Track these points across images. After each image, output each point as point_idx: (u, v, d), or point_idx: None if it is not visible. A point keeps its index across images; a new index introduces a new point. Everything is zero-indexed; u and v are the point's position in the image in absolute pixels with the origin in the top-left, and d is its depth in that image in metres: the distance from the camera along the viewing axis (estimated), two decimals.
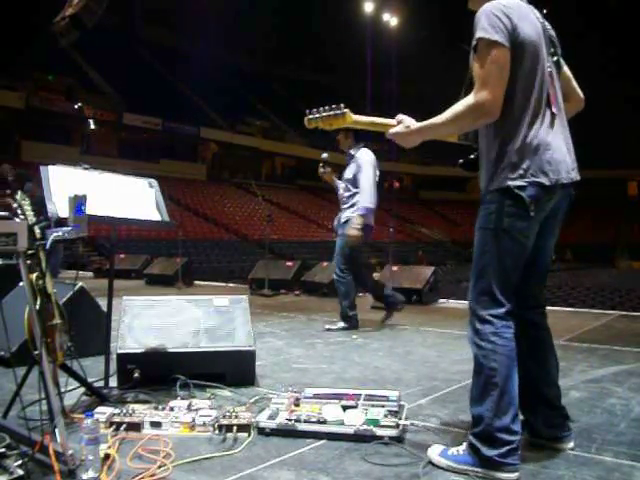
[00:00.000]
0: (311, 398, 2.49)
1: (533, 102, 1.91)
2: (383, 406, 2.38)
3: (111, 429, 2.20)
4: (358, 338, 4.58)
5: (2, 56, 24.10)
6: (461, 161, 2.19)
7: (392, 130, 2.06)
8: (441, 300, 7.37)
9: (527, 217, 1.89)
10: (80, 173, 2.87)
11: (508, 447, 1.83)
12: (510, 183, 1.88)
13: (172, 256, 10.99)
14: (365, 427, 2.19)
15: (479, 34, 1.85)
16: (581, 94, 2.22)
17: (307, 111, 2.20)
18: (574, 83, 2.20)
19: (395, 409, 2.35)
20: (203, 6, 33.43)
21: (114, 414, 2.27)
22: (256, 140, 35.26)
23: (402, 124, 2.04)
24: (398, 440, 2.15)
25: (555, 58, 2.04)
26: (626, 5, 32.07)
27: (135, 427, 2.22)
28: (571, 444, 2.10)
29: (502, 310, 1.92)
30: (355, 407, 2.38)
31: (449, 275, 18.37)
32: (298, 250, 23.41)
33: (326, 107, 2.15)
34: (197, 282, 9.90)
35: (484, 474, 1.85)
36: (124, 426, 2.21)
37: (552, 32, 2.06)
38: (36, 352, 2.03)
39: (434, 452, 1.99)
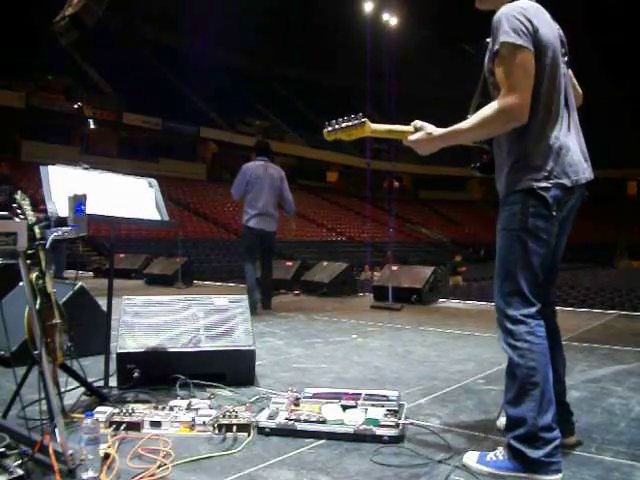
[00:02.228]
0: (311, 398, 2.49)
1: (555, 104, 1.93)
2: (383, 406, 2.39)
3: (111, 429, 2.20)
4: (358, 338, 4.58)
5: (2, 56, 24.09)
6: (476, 164, 2.18)
7: (412, 137, 2.02)
8: (441, 300, 7.38)
9: (550, 217, 1.91)
10: (80, 173, 2.87)
11: (553, 445, 1.82)
12: (535, 184, 1.89)
13: (172, 256, 10.98)
14: (365, 427, 2.19)
15: (503, 38, 1.84)
16: (580, 90, 2.24)
17: (326, 123, 2.16)
18: (574, 80, 2.22)
19: (395, 409, 2.36)
20: (203, 6, 33.39)
21: (114, 414, 2.27)
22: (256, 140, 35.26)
23: (423, 131, 2.01)
24: (398, 440, 2.15)
25: (566, 58, 2.05)
26: (625, 4, 32.06)
27: (135, 427, 2.23)
28: (574, 438, 2.12)
29: (533, 309, 1.92)
30: (355, 407, 2.38)
31: (449, 275, 18.35)
32: (298, 250, 23.40)
33: (345, 117, 2.12)
34: (197, 282, 9.90)
35: (528, 478, 1.82)
36: (124, 426, 2.21)
37: (561, 32, 2.06)
38: (36, 352, 2.03)
39: (471, 459, 1.95)
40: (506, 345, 1.93)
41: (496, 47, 1.87)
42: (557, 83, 1.94)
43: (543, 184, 1.89)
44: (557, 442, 1.83)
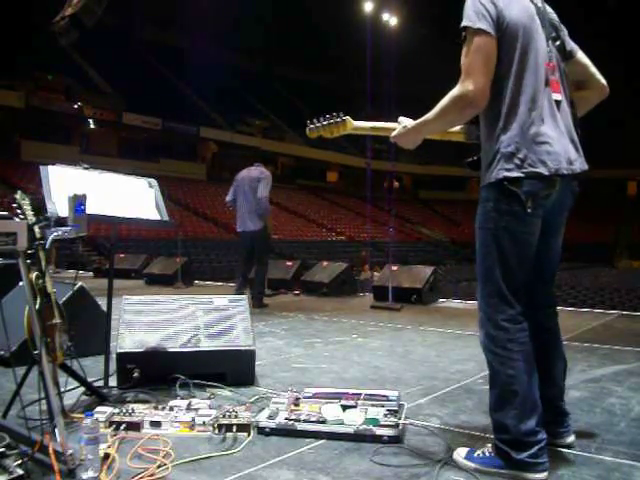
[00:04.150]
0: (311, 398, 2.49)
1: (528, 89, 1.83)
2: (383, 406, 2.39)
3: (111, 429, 2.20)
4: (358, 338, 4.58)
5: (2, 56, 24.09)
6: (468, 160, 2.14)
7: (393, 133, 2.06)
8: (441, 300, 7.38)
9: (525, 214, 1.82)
10: (80, 173, 2.87)
11: (538, 446, 1.81)
12: (506, 174, 1.81)
13: (172, 256, 10.98)
14: (365, 427, 2.18)
15: (463, 23, 1.80)
16: (602, 80, 2.09)
17: (308, 122, 2.22)
18: (593, 69, 2.08)
19: (395, 409, 2.35)
20: (203, 6, 33.39)
21: (114, 414, 2.27)
22: (256, 140, 35.27)
23: (400, 125, 2.04)
24: (397, 440, 2.15)
25: (558, 43, 1.95)
26: (626, 5, 32.05)
27: (135, 427, 2.23)
28: (571, 438, 2.06)
29: (514, 312, 1.87)
30: (355, 407, 2.38)
31: (449, 275, 18.37)
32: (298, 250, 23.40)
33: (326, 116, 2.18)
34: (197, 282, 9.90)
35: (513, 476, 1.82)
36: (124, 426, 2.21)
37: (553, 16, 1.99)
38: (36, 352, 2.03)
39: (460, 455, 1.96)
40: (486, 350, 1.91)
41: (463, 34, 1.82)
42: (529, 65, 1.83)
43: (515, 174, 1.80)
44: (542, 444, 1.82)
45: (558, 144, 1.84)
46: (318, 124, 2.20)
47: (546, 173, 1.80)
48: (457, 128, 2.13)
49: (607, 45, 33.72)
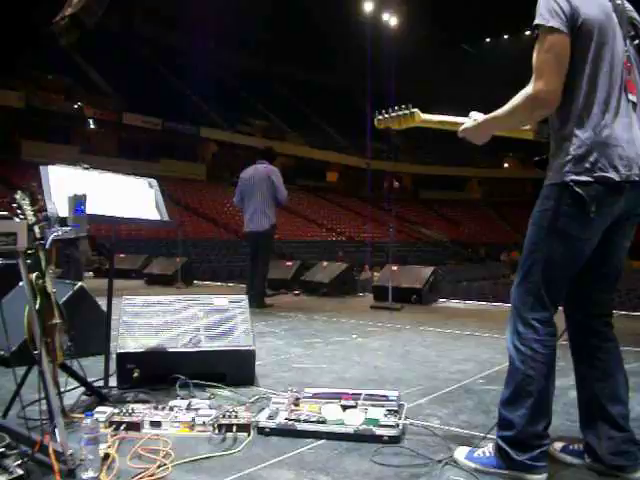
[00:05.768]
0: (311, 398, 2.49)
1: (602, 89, 1.77)
2: (383, 406, 2.39)
3: (111, 429, 2.20)
4: (358, 338, 4.58)
5: (2, 56, 24.09)
6: (536, 159, 2.07)
7: (462, 126, 2.00)
8: (441, 300, 7.38)
9: (586, 219, 1.75)
10: (80, 173, 2.87)
11: (540, 450, 1.80)
12: (573, 178, 1.74)
13: (172, 256, 10.99)
14: (365, 427, 2.19)
15: (536, 21, 1.75)
16: None
17: (376, 112, 2.21)
18: None
19: (395, 409, 2.36)
20: (203, 6, 33.39)
21: (114, 414, 2.27)
22: (256, 140, 35.28)
23: (470, 119, 2.00)
24: (397, 440, 2.15)
25: (637, 41, 1.87)
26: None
27: (135, 427, 2.23)
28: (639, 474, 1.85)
29: (547, 314, 1.84)
30: (355, 407, 2.38)
31: (449, 275, 18.36)
32: (297, 250, 23.42)
33: (395, 107, 2.17)
34: (197, 282, 9.90)
35: (513, 476, 1.82)
36: (124, 426, 2.21)
37: (633, 14, 1.91)
38: (36, 352, 2.03)
39: (460, 455, 1.96)
40: (512, 346, 1.88)
41: (535, 32, 1.77)
42: (604, 66, 1.77)
43: (584, 178, 1.73)
44: (545, 447, 1.82)
45: (632, 148, 1.77)
46: (387, 115, 2.17)
47: (617, 179, 1.74)
48: (528, 126, 2.08)
49: None
